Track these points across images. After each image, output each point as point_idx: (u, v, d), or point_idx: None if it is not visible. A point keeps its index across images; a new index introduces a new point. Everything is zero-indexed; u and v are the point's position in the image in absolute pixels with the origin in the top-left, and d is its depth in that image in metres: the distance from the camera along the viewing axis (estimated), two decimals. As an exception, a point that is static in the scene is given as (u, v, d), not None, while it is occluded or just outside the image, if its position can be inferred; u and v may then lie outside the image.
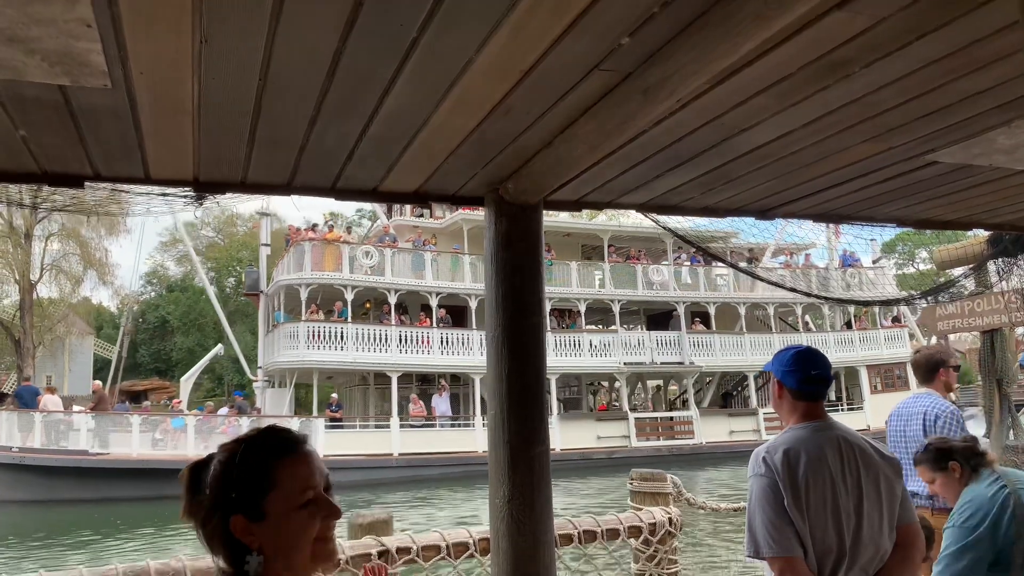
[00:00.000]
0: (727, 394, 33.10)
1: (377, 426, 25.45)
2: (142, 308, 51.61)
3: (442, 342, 26.43)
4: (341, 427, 24.81)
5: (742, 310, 30.75)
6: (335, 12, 1.73)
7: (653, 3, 1.74)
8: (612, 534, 4.09)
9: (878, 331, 32.53)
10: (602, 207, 3.54)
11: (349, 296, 25.55)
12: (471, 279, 27.15)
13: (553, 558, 3.03)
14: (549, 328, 28.64)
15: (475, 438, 24.96)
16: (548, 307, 26.78)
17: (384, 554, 3.39)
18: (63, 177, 2.73)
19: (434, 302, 26.47)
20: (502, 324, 3.03)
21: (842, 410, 30.80)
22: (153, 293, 54.33)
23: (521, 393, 2.98)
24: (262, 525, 1.30)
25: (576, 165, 2.61)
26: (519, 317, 3.03)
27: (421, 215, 29.89)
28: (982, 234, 6.43)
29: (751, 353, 30.07)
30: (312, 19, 1.75)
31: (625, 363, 28.36)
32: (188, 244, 33.91)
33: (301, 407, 30.71)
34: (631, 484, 4.87)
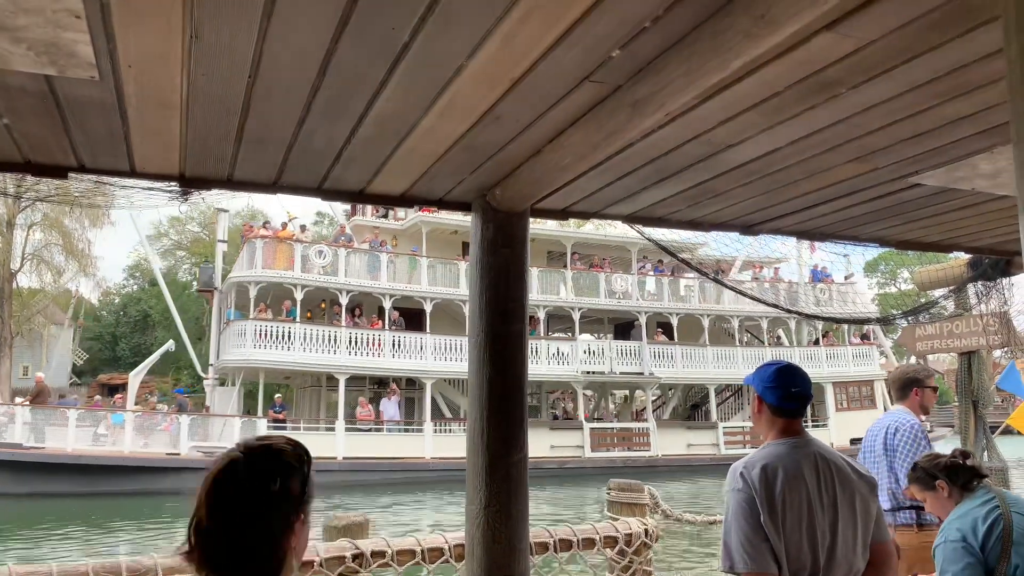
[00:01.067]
0: (696, 406, 32.60)
1: (324, 429, 24.77)
2: (123, 301, 51.12)
3: (394, 345, 25.71)
4: (283, 428, 23.52)
5: (705, 322, 30.32)
6: (327, 13, 1.73)
7: (644, 18, 1.75)
8: (588, 544, 4.08)
9: (846, 348, 32.13)
10: (588, 217, 3.55)
11: (299, 295, 24.82)
12: (428, 282, 26.60)
13: (528, 566, 3.03)
14: None
15: (424, 444, 24.48)
16: None
17: (358, 557, 3.38)
18: (47, 167, 2.71)
19: (387, 304, 25.77)
20: (484, 330, 3.03)
21: (806, 427, 30.63)
22: (136, 287, 53.84)
23: (501, 400, 2.98)
24: (302, 527, 1.36)
25: (564, 174, 2.62)
26: (502, 323, 3.03)
27: (384, 215, 29.18)
28: (963, 257, 6.50)
29: (713, 366, 29.68)
30: (304, 19, 1.75)
31: (584, 372, 27.72)
32: (141, 236, 32.83)
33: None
34: (609, 494, 4.88)
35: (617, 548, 4.20)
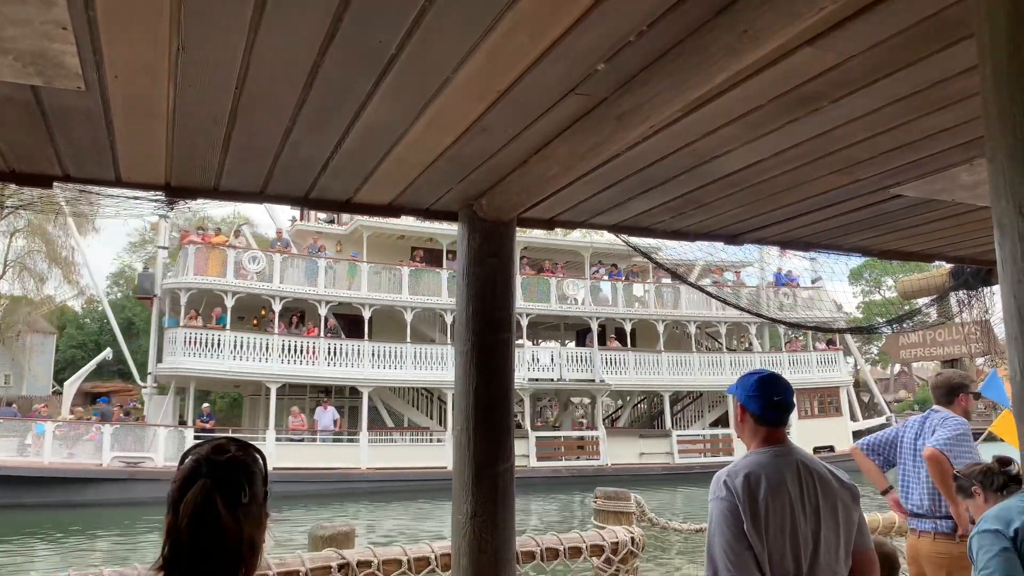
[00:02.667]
0: (661, 413, 30.85)
1: (253, 439, 23.90)
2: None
3: (330, 353, 24.82)
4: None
5: (660, 327, 29.01)
6: (315, 25, 1.74)
7: (629, 32, 1.77)
8: (574, 552, 4.09)
9: (810, 354, 30.92)
10: (575, 226, 3.57)
11: (229, 302, 23.88)
12: (368, 288, 25.63)
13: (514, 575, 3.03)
14: (448, 340, 27.32)
15: (359, 454, 23.65)
16: (450, 319, 25.68)
17: (344, 567, 3.37)
18: (31, 177, 2.70)
19: (323, 311, 24.95)
20: (471, 340, 3.03)
21: None
22: (119, 294, 53.45)
23: (488, 410, 2.99)
24: (266, 520, 1.45)
25: (550, 185, 2.64)
26: (488, 333, 3.04)
27: (331, 220, 28.16)
28: (945, 266, 6.57)
29: (668, 372, 28.51)
30: (292, 31, 1.76)
31: (530, 379, 26.32)
32: (90, 270, 31.79)
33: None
34: (595, 503, 4.89)
35: (604, 556, 4.21)
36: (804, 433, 28.22)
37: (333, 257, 26.35)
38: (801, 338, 32.09)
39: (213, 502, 1.33)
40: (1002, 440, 7.20)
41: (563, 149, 2.37)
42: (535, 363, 27.10)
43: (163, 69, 1.91)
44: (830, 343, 31.72)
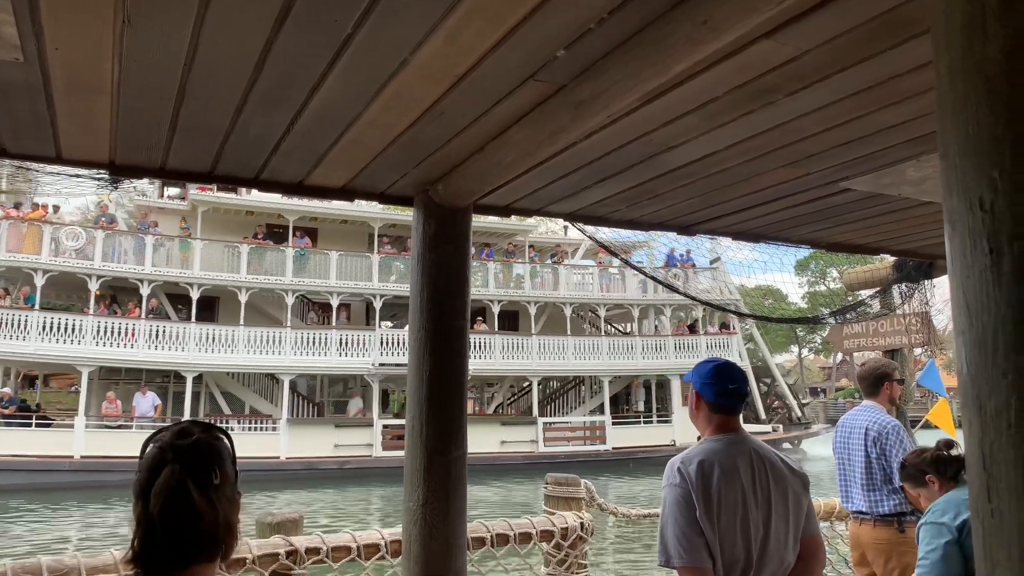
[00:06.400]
0: (618, 396, 30.00)
1: (62, 426, 22.36)
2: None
3: (151, 335, 23.19)
4: (9, 425, 21.52)
5: (532, 310, 27.61)
6: (268, 1, 1.69)
7: (589, 20, 1.76)
8: (524, 538, 4.11)
9: (699, 338, 29.32)
10: (531, 214, 3.57)
11: (39, 281, 22.28)
12: (203, 267, 24.09)
13: (465, 562, 3.03)
14: (308, 323, 26.39)
15: None
16: (291, 300, 24.93)
17: (292, 554, 3.32)
18: (-35, 151, 2.58)
19: (145, 290, 23.37)
20: (425, 326, 3.01)
21: (642, 422, 28.54)
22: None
23: (441, 397, 2.97)
24: (239, 499, 1.42)
25: (507, 172, 2.62)
26: (443, 320, 3.02)
27: (183, 197, 26.40)
28: (889, 259, 6.74)
29: (539, 356, 27.19)
30: (244, 5, 1.71)
31: (379, 364, 25.13)
32: None
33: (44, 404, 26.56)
34: (546, 488, 4.92)
35: (553, 542, 4.24)
36: (687, 422, 26.96)
37: (161, 234, 24.67)
38: (693, 320, 30.79)
39: (185, 487, 1.30)
40: (937, 428, 7.45)
41: (521, 136, 2.35)
42: (387, 347, 25.64)
43: (107, 42, 1.84)
44: (723, 327, 30.52)
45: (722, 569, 2.29)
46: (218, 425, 1.46)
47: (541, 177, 2.94)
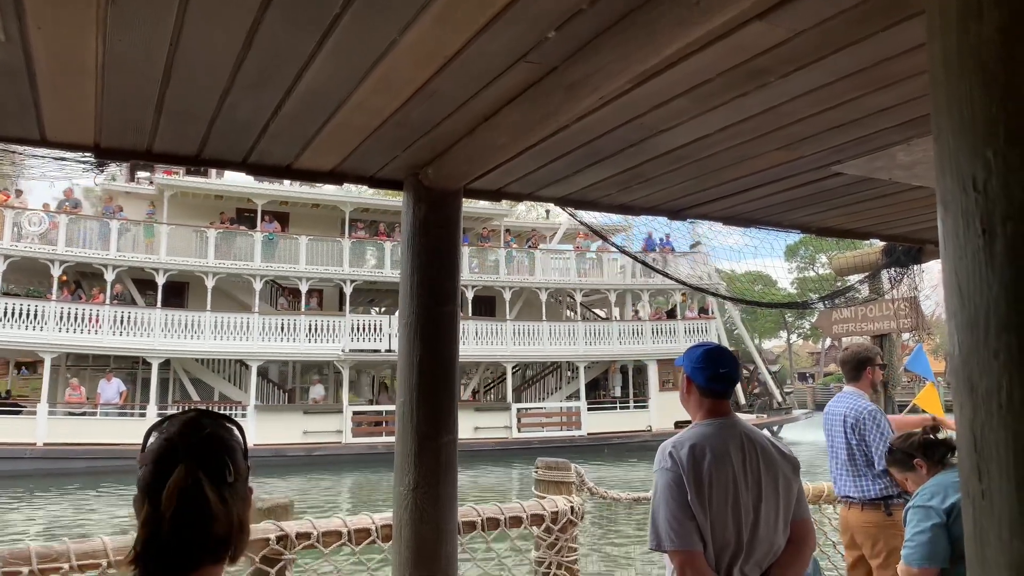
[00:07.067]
0: (595, 382, 29.70)
1: (25, 413, 22.14)
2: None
3: (115, 321, 22.98)
4: None
5: (507, 295, 27.20)
6: (255, -20, 1.66)
7: (581, 0, 1.74)
8: (515, 522, 4.12)
9: (677, 322, 29.22)
10: (522, 198, 3.55)
11: (0, 266, 21.89)
12: (167, 251, 23.88)
13: (455, 546, 3.03)
14: (279, 308, 26.10)
15: (145, 429, 22.16)
16: (259, 286, 24.68)
17: (283, 539, 3.32)
18: (-54, 133, 2.54)
19: (109, 276, 23.07)
20: (416, 311, 3.00)
21: (618, 408, 28.30)
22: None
23: (432, 382, 2.97)
24: (251, 494, 1.35)
25: (498, 155, 2.60)
26: (433, 304, 3.01)
27: (151, 182, 26.02)
28: (878, 244, 6.76)
29: (512, 342, 26.83)
30: (230, -14, 1.68)
31: (349, 350, 24.96)
32: None
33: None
34: (536, 472, 4.93)
35: (544, 526, 4.25)
36: (664, 406, 26.82)
37: (127, 219, 24.41)
38: (672, 306, 30.66)
39: (200, 488, 1.20)
40: (925, 412, 7.51)
41: (512, 118, 2.33)
42: (357, 332, 25.49)
43: (91, 21, 1.80)
44: (702, 312, 30.36)
45: (713, 553, 2.31)
46: (227, 414, 1.37)
47: (532, 161, 2.92)
